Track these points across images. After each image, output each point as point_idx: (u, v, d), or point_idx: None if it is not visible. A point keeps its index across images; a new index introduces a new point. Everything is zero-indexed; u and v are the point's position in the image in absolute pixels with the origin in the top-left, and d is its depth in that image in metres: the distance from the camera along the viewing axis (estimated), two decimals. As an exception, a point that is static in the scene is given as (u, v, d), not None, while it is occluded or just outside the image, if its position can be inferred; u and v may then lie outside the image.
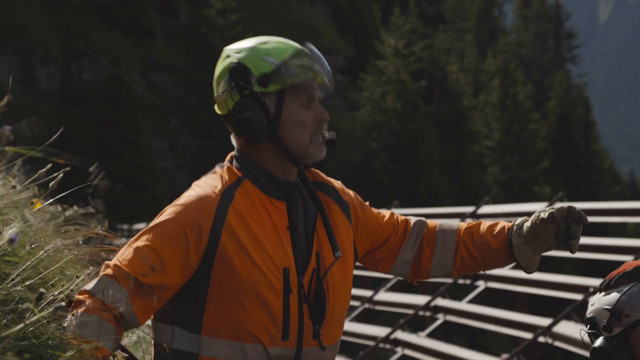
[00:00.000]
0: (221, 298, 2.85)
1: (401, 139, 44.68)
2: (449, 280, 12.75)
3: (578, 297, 10.15)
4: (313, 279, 2.94)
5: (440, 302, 12.44)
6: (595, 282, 10.08)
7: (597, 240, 11.47)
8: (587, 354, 9.69)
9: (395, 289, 13.91)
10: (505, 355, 10.41)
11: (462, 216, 14.16)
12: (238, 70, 2.94)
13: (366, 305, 13.98)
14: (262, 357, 2.85)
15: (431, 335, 12.10)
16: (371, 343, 12.66)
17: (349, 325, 13.74)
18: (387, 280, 14.20)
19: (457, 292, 13.51)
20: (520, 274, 11.83)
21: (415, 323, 13.66)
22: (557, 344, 9.86)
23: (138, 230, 22.93)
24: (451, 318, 12.15)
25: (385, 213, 3.22)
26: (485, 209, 13.97)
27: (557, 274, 11.77)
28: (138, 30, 39.39)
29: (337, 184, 3.16)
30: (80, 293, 2.75)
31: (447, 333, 12.41)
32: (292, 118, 2.95)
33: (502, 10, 69.84)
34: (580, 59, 72.30)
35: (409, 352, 12.04)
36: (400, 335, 12.45)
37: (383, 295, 13.86)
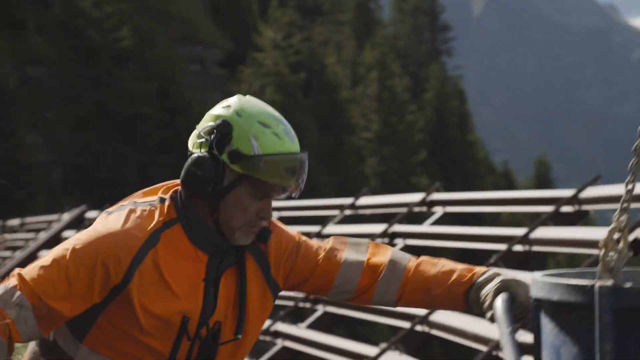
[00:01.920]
0: (112, 326, 2.84)
1: (280, 132, 44.68)
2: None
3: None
4: (215, 329, 2.92)
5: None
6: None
7: (472, 230, 11.70)
8: (461, 341, 9.83)
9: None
10: (383, 344, 10.54)
11: (341, 207, 14.27)
12: (221, 130, 2.85)
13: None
14: None
15: (311, 326, 12.17)
16: (252, 336, 12.65)
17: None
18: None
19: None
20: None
21: (295, 314, 13.72)
22: (434, 332, 10.03)
23: (12, 227, 22.46)
24: (331, 309, 12.24)
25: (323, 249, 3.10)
26: (363, 200, 14.11)
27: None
28: (10, 22, 38.48)
29: (274, 240, 3.04)
30: None
31: (328, 323, 12.50)
32: (237, 202, 2.87)
33: (378, 3, 70.55)
34: (455, 52, 73.54)
35: (289, 344, 12.09)
36: (281, 327, 12.49)
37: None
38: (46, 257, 2.82)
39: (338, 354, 10.80)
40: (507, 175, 66.13)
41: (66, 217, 20.18)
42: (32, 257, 18.93)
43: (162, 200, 2.94)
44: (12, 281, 2.76)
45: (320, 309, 12.37)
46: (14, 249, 20.31)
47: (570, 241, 9.46)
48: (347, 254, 3.06)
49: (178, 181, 2.98)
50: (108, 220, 2.87)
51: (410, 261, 3.07)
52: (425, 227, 12.45)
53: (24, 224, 22.26)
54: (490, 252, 10.90)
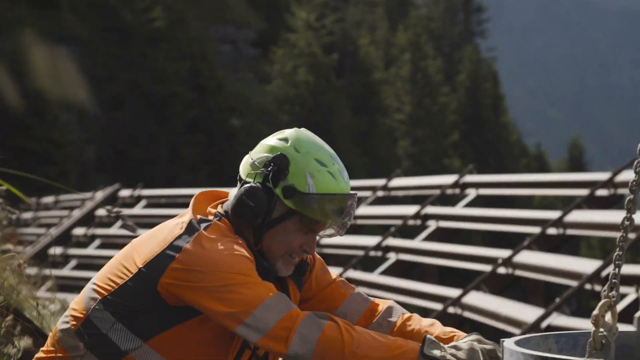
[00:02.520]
0: (184, 335, 2.87)
1: (313, 113, 44.72)
2: (360, 252, 12.83)
3: (487, 268, 10.31)
4: None
5: (352, 273, 12.52)
6: (503, 253, 10.24)
7: (504, 212, 11.64)
8: (494, 323, 9.80)
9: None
10: (415, 327, 10.51)
11: (373, 189, 14.24)
12: (278, 163, 2.87)
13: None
14: None
15: (343, 308, 12.17)
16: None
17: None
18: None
19: (368, 264, 13.59)
20: (430, 245, 11.97)
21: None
22: (466, 314, 10.01)
23: (46, 205, 22.60)
24: (362, 289, 12.22)
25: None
26: (396, 182, 14.07)
27: (465, 245, 11.94)
28: (43, 1, 38.62)
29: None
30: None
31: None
32: (283, 234, 2.91)
33: (412, -16, 70.19)
34: (489, 34, 73.10)
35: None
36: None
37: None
38: (218, 299, 2.79)
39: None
40: (540, 158, 65.76)
41: (99, 195, 20.29)
42: (66, 234, 19.05)
43: (219, 217, 2.95)
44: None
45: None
46: (48, 226, 20.45)
47: (605, 225, 9.38)
48: (356, 292, 3.13)
49: (215, 191, 3.01)
50: (214, 245, 2.84)
51: (404, 314, 3.09)
52: (458, 210, 12.41)
53: (58, 201, 22.41)
54: (523, 235, 10.84)
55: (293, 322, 2.75)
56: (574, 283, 8.80)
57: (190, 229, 2.87)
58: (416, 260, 12.17)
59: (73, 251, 18.70)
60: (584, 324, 8.23)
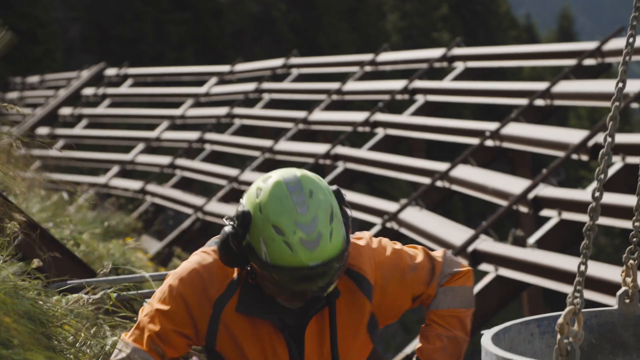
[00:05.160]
0: None
1: (300, -12, 44.06)
2: (348, 128, 12.81)
3: (474, 141, 10.31)
4: None
5: (340, 149, 12.52)
6: (491, 125, 10.23)
7: (492, 85, 11.59)
8: (482, 196, 9.84)
9: (295, 138, 13.94)
10: (404, 200, 10.57)
11: (361, 64, 14.14)
12: (240, 220, 2.70)
13: (267, 155, 14.00)
14: None
15: (332, 183, 12.19)
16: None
17: (250, 176, 13.78)
18: (287, 130, 14.21)
19: (357, 140, 13.59)
20: (418, 120, 11.94)
21: (316, 171, 13.75)
22: (454, 187, 10.04)
23: (31, 85, 22.41)
24: (351, 165, 12.25)
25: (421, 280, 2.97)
26: (383, 57, 13.97)
27: (454, 119, 11.91)
28: None
29: (369, 265, 2.88)
30: None
31: (348, 180, 12.53)
32: (265, 282, 2.75)
33: None
34: None
35: (310, 200, 12.14)
36: (301, 183, 12.54)
37: (284, 145, 13.89)
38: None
39: (358, 209, 10.85)
40: (530, 30, 65.27)
41: (85, 74, 20.14)
42: (52, 114, 18.96)
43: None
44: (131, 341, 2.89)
45: (341, 166, 12.38)
46: (34, 106, 20.34)
47: (593, 95, 9.35)
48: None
49: None
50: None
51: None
52: (446, 83, 12.34)
53: (44, 81, 22.25)
54: (511, 107, 10.82)
55: None
56: (561, 154, 8.81)
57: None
58: (404, 135, 12.16)
59: (60, 131, 18.65)
60: (571, 194, 8.26)
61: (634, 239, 2.66)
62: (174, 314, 2.80)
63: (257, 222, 2.66)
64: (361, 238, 2.92)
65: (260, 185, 2.73)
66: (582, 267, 2.26)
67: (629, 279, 2.67)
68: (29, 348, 2.43)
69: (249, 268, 2.75)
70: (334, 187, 2.79)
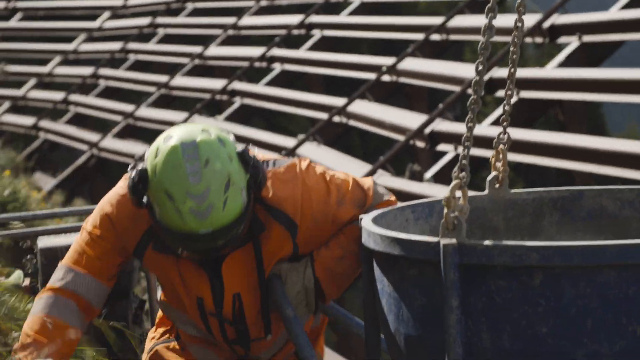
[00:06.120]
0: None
1: None
2: (245, 64, 12.71)
3: (371, 76, 10.32)
4: (236, 304, 2.92)
5: (237, 85, 12.43)
6: (387, 60, 10.24)
7: (389, 20, 11.60)
8: (379, 131, 9.88)
9: (191, 73, 13.78)
10: (302, 136, 10.56)
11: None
12: (138, 179, 2.70)
13: (162, 91, 13.82)
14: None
15: (229, 119, 12.12)
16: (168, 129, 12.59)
17: (146, 112, 13.60)
18: (182, 65, 14.03)
19: (254, 75, 13.49)
20: (315, 55, 11.90)
21: (213, 107, 13.64)
22: (352, 122, 10.07)
23: None
24: (248, 101, 12.18)
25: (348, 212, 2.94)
26: (280, -10, 13.85)
27: (351, 54, 11.90)
28: None
29: (292, 201, 2.86)
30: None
31: (245, 116, 12.46)
32: (160, 234, 2.79)
33: None
34: None
35: (207, 136, 12.05)
36: (198, 119, 12.42)
37: (180, 81, 13.72)
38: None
39: (256, 145, 10.81)
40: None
41: (-27, 9, 19.53)
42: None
43: None
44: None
45: (238, 101, 12.30)
46: None
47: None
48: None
49: None
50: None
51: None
52: (343, 18, 12.30)
53: None
54: (407, 42, 10.84)
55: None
56: (457, 88, 8.88)
57: None
58: (301, 70, 12.11)
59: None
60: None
61: (504, 124, 2.69)
62: (106, 235, 2.87)
63: (152, 184, 2.68)
64: (290, 167, 2.89)
65: (161, 145, 2.71)
66: (467, 142, 2.27)
67: (499, 164, 2.70)
68: None
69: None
70: (240, 147, 2.75)
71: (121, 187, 2.88)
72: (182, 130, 2.72)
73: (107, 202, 2.89)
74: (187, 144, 2.67)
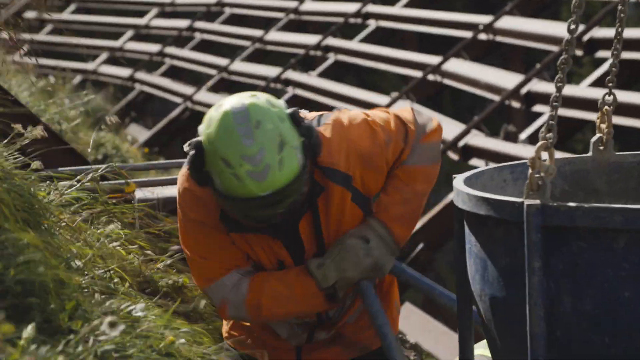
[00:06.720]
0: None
1: None
2: (340, 20, 12.66)
3: (467, 34, 10.20)
4: None
5: (332, 41, 12.40)
6: (484, 19, 10.10)
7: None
8: (474, 90, 9.77)
9: (285, 28, 13.78)
10: (395, 94, 10.51)
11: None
12: (195, 152, 2.73)
13: (257, 45, 13.86)
14: None
15: (322, 75, 12.12)
16: (262, 83, 12.64)
17: (240, 66, 13.66)
18: (277, 20, 14.03)
19: (348, 32, 13.43)
20: (410, 12, 11.80)
21: (306, 63, 13.64)
22: (446, 81, 9.98)
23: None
24: (342, 57, 12.15)
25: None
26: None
27: (446, 11, 11.77)
28: None
29: (341, 156, 2.87)
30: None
31: (338, 72, 12.44)
32: (224, 207, 2.81)
33: None
34: None
35: (300, 92, 12.08)
36: (292, 75, 12.45)
37: (274, 35, 13.74)
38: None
39: (348, 102, 10.80)
40: None
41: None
42: None
43: None
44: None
45: (332, 57, 12.27)
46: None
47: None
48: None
49: None
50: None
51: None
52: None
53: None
54: (504, 1, 10.68)
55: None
56: (555, 48, 8.73)
57: None
58: (396, 28, 12.03)
59: (47, 16, 18.38)
60: (564, 90, 8.21)
61: (610, 84, 2.64)
62: (206, 238, 2.89)
63: (208, 154, 2.71)
64: (335, 122, 2.90)
65: (213, 114, 2.75)
66: (556, 102, 2.24)
67: (603, 125, 2.65)
68: (21, 228, 2.42)
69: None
70: (290, 110, 2.76)
71: (181, 181, 2.89)
72: (232, 98, 2.76)
73: (178, 206, 2.91)
74: (237, 108, 2.70)
